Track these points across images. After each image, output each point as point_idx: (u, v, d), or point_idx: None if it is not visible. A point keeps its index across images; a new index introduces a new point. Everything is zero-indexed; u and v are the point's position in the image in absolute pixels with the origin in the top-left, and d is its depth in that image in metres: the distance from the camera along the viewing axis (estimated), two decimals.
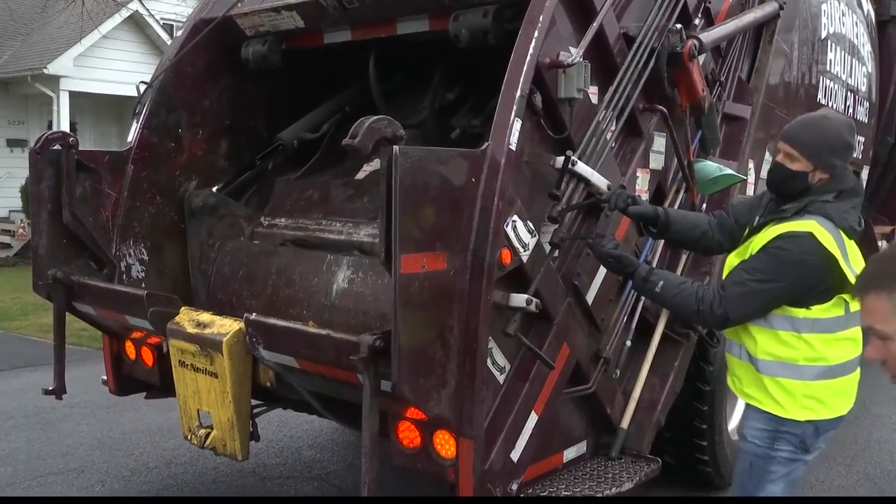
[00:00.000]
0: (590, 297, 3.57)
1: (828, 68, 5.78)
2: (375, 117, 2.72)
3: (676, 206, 4.15)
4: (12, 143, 15.97)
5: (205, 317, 3.57)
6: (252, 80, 4.61)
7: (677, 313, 3.55)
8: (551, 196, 3.19)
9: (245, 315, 3.27)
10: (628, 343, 3.89)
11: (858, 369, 2.95)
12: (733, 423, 4.70)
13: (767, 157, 4.84)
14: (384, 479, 2.94)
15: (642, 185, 3.93)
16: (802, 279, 2.78)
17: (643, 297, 3.92)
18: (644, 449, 3.91)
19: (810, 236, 2.75)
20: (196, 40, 4.34)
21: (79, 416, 5.95)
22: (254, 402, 3.70)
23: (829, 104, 5.87)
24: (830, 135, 2.87)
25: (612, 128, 3.59)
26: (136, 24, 16.37)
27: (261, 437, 3.89)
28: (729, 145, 4.61)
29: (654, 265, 3.98)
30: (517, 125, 3.06)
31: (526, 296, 3.11)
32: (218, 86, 4.54)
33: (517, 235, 3.09)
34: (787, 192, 2.93)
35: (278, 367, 3.32)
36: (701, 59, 3.98)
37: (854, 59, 6.37)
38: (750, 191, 4.74)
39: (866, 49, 6.72)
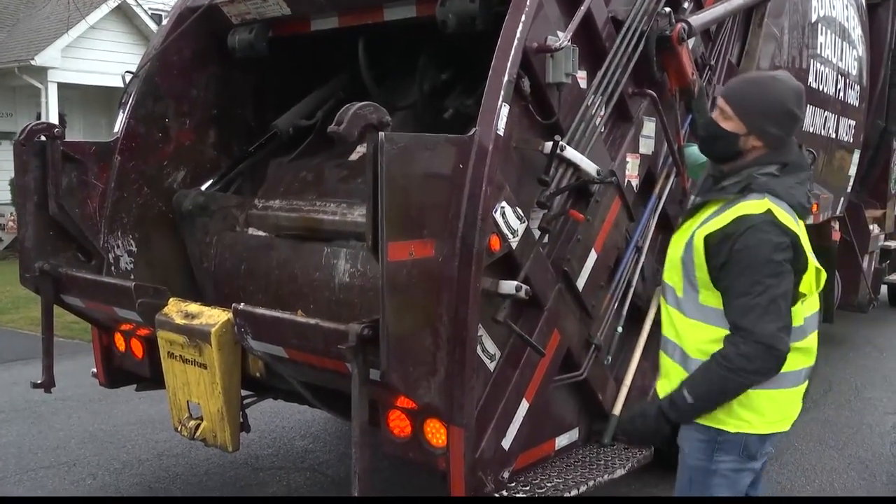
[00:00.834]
0: (580, 284, 3.56)
1: (818, 52, 5.76)
2: (361, 103, 2.69)
3: (667, 191, 4.14)
4: (1, 136, 15.86)
5: (193, 307, 3.55)
6: (239, 68, 4.57)
7: (733, 396, 2.46)
8: (540, 181, 3.17)
9: (233, 305, 3.25)
10: (620, 329, 3.88)
11: (806, 382, 2.57)
12: None
13: None
14: (376, 468, 2.93)
15: (632, 170, 3.92)
16: (787, 258, 2.38)
17: (634, 283, 3.90)
18: None
19: (769, 214, 2.38)
20: (182, 29, 4.31)
21: (70, 409, 5.92)
22: (244, 392, 3.68)
23: (820, 88, 5.85)
24: (772, 98, 2.48)
25: (601, 112, 3.57)
26: (124, 13, 16.30)
27: (252, 427, 3.88)
28: None
29: (645, 249, 3.97)
30: (505, 110, 3.04)
31: (515, 282, 3.10)
32: (205, 74, 4.51)
33: (506, 222, 3.07)
34: (716, 155, 2.62)
35: (267, 357, 3.30)
36: (690, 42, 3.96)
37: (845, 43, 6.35)
38: None
39: (857, 32, 6.70)
